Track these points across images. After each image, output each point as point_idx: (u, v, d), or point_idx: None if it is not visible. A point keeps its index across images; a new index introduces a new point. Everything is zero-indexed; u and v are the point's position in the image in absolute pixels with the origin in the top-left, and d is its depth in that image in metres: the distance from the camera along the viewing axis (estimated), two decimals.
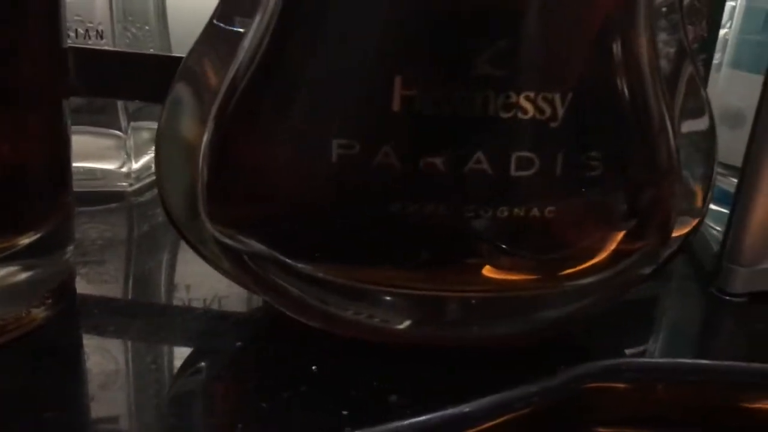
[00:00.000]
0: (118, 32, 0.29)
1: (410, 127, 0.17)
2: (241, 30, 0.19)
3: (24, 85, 0.19)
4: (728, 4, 0.28)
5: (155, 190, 0.30)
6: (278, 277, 0.20)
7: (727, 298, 0.25)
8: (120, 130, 0.30)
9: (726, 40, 0.29)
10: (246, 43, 0.19)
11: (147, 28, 0.32)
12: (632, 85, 0.19)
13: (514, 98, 0.17)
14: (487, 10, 0.17)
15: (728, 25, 0.29)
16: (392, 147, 0.17)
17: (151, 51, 0.31)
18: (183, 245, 0.22)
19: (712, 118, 0.21)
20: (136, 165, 0.31)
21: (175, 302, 0.24)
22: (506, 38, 0.16)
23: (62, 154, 0.21)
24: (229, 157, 0.20)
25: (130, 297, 0.24)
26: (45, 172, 0.20)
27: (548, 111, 0.17)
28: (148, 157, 0.31)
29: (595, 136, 0.18)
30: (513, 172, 0.17)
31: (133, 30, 0.31)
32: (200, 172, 0.20)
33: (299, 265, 0.19)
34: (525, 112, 0.17)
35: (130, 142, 0.30)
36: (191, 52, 0.20)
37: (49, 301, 0.20)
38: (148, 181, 0.31)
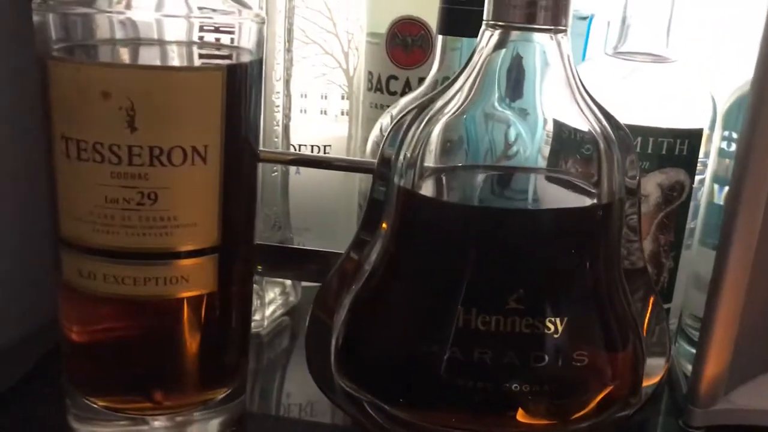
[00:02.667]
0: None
1: (467, 335, 0.28)
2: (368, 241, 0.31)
3: (227, 276, 0.31)
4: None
5: (277, 330, 0.43)
6: (382, 419, 0.31)
7: (690, 430, 0.35)
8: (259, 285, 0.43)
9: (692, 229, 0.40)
10: (372, 258, 0.31)
11: (275, 208, 0.44)
12: (609, 297, 0.30)
13: (531, 321, 0.28)
14: (513, 273, 0.28)
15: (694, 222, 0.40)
16: (457, 347, 0.28)
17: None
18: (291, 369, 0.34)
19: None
20: (267, 312, 0.43)
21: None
22: (524, 288, 0.28)
23: (247, 328, 0.33)
24: (357, 333, 0.31)
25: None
26: (237, 343, 0.32)
27: (552, 328, 0.28)
28: (273, 307, 0.43)
29: (582, 342, 0.29)
30: (532, 364, 0.29)
31: (266, 211, 0.44)
32: (335, 339, 0.31)
33: (395, 411, 0.30)
34: (538, 329, 0.28)
35: (265, 296, 0.42)
36: (346, 254, 0.32)
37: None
38: (274, 324, 0.43)
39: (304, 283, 0.47)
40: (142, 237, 0.27)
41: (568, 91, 0.30)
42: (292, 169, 0.46)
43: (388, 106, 0.46)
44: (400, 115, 0.31)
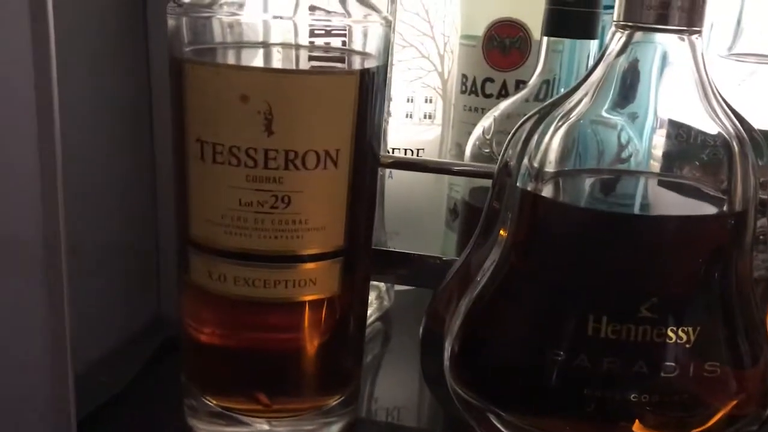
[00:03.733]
0: None
1: (596, 344, 0.28)
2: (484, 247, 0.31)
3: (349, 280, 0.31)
4: None
5: (371, 334, 0.43)
6: (497, 423, 0.31)
7: None
8: None
9: None
10: (488, 264, 0.31)
11: None
12: (741, 308, 0.29)
13: (664, 330, 0.27)
14: (646, 281, 0.28)
15: None
16: (586, 355, 0.28)
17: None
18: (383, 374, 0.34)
19: None
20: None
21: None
22: (657, 297, 0.27)
23: (363, 332, 0.33)
24: (477, 339, 0.31)
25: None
26: (355, 348, 0.32)
27: (685, 338, 0.28)
28: (369, 311, 0.43)
29: (713, 352, 0.28)
30: (661, 374, 0.28)
31: None
32: (449, 343, 0.31)
33: (512, 417, 0.30)
34: (670, 338, 0.28)
35: None
36: (465, 257, 0.32)
37: None
38: (368, 329, 0.43)
39: (397, 287, 0.47)
40: (273, 240, 0.27)
41: (697, 93, 0.29)
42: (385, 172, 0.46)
43: (483, 109, 0.46)
44: (521, 121, 0.31)
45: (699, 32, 0.29)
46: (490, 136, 0.41)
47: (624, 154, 0.32)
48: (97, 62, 0.32)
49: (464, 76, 0.47)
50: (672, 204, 0.32)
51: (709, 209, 0.31)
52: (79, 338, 0.27)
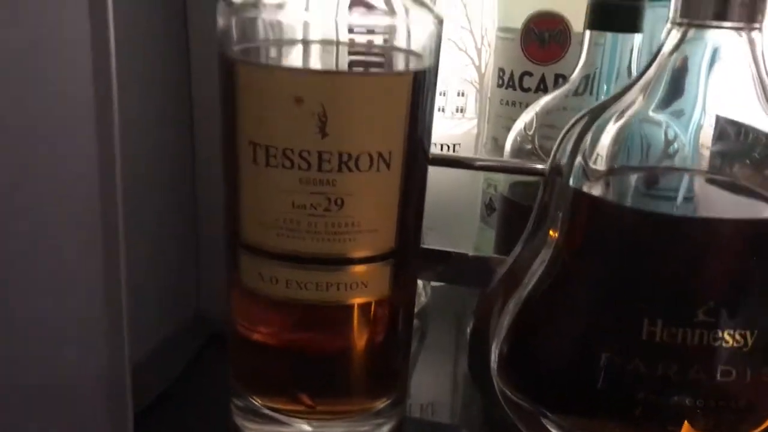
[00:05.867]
0: None
1: (652, 348, 0.28)
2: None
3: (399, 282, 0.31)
4: None
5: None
6: (547, 425, 0.30)
7: None
8: None
9: None
10: (536, 266, 0.30)
11: None
12: None
13: (721, 334, 0.27)
14: (702, 285, 0.27)
15: None
16: (640, 359, 0.28)
17: None
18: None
19: None
20: None
21: None
22: (714, 300, 0.27)
23: (410, 333, 0.32)
24: (526, 340, 0.30)
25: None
26: (404, 349, 0.32)
27: (742, 342, 0.27)
28: None
29: None
30: (718, 378, 0.27)
31: None
32: (496, 344, 0.31)
33: (556, 418, 0.30)
34: (727, 342, 0.27)
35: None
36: (511, 261, 0.31)
37: None
38: None
39: (433, 284, 0.47)
40: (326, 242, 0.27)
41: (755, 90, 0.29)
42: None
43: (521, 103, 0.45)
44: (572, 122, 0.31)
45: (759, 28, 0.28)
46: (532, 131, 0.40)
47: (671, 150, 0.31)
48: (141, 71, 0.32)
49: (501, 69, 0.46)
50: (724, 203, 0.32)
51: (764, 210, 0.30)
52: None
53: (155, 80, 0.33)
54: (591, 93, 0.41)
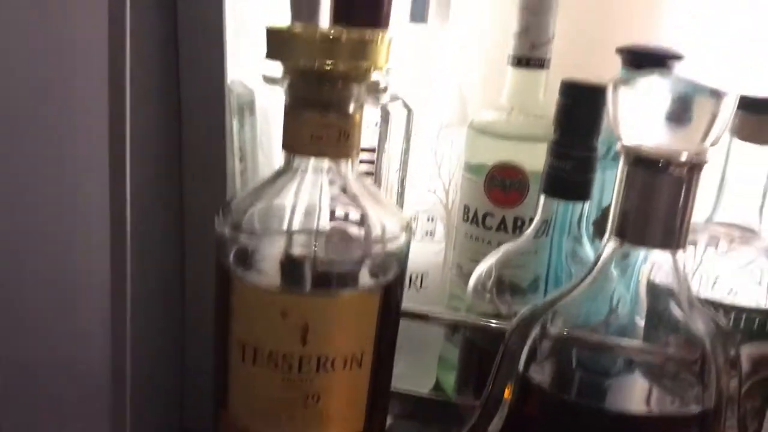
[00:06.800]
0: None
1: None
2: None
3: None
4: None
5: None
6: None
7: None
8: None
9: None
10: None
11: None
12: None
13: None
14: None
15: None
16: None
17: None
18: None
19: None
20: None
21: None
22: None
23: None
24: None
25: None
26: None
27: None
28: None
29: None
30: None
31: None
32: None
33: None
34: None
35: None
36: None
37: None
38: None
39: None
40: (303, 429, 0.31)
41: (673, 301, 0.33)
42: None
43: (483, 239, 0.50)
44: (518, 320, 0.35)
45: (683, 249, 0.32)
46: (490, 282, 0.44)
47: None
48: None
49: (467, 206, 0.51)
50: (652, 387, 0.36)
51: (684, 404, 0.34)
52: None
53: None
54: (547, 236, 0.46)
